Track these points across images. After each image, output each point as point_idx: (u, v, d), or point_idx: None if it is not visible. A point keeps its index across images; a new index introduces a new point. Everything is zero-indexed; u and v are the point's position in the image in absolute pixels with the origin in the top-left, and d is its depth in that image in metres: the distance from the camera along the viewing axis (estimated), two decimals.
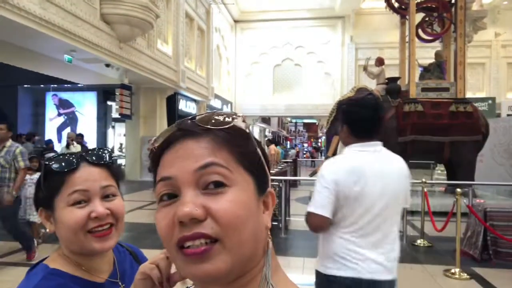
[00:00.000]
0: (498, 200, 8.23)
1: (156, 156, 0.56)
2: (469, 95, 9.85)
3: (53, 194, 0.87)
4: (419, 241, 5.90)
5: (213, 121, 0.53)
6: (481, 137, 8.64)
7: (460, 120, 8.43)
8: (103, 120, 15.30)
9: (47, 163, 0.89)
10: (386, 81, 9.58)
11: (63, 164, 0.88)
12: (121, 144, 15.46)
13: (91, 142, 14.32)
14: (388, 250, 1.70)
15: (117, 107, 11.48)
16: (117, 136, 17.81)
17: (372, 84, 10.03)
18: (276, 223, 6.27)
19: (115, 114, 13.99)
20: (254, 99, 23.69)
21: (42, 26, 7.07)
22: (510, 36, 19.82)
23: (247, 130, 0.55)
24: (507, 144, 9.63)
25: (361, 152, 1.75)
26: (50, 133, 14.91)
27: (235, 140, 0.53)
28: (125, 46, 9.96)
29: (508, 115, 17.50)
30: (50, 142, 11.07)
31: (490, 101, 17.13)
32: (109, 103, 15.15)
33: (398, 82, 9.61)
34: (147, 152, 0.57)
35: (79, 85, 14.20)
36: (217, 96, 19.48)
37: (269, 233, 0.55)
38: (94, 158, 0.91)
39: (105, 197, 0.89)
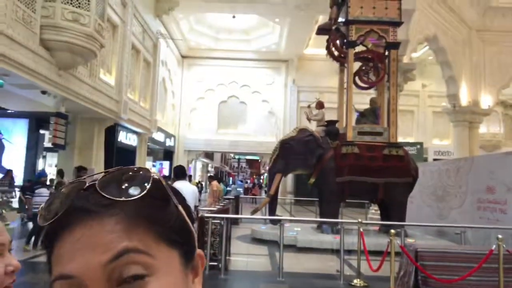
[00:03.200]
0: (427, 239, 8.73)
1: (49, 235, 0.43)
2: (399, 139, 10.59)
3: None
4: (356, 281, 6.02)
5: (122, 186, 0.41)
6: (412, 180, 9.24)
7: (393, 163, 8.98)
8: (34, 149, 14.26)
9: None
10: (326, 123, 10.04)
11: None
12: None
13: (19, 172, 13.22)
14: None
15: (51, 136, 10.79)
16: (47, 167, 16.63)
17: (313, 126, 10.45)
18: (215, 263, 6.09)
19: (47, 144, 13.13)
20: (198, 134, 23.60)
21: None
22: (435, 88, 21.94)
23: (166, 190, 0.44)
24: (433, 187, 10.38)
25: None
26: None
27: (152, 210, 0.42)
28: (65, 73, 9.54)
29: (434, 159, 19.03)
30: (43, 175, 9.05)
31: (418, 146, 18.55)
32: (42, 131, 14.22)
33: (337, 125, 10.12)
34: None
35: (9, 111, 13.23)
36: (160, 129, 19.12)
37: None
38: None
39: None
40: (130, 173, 0.43)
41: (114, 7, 12.41)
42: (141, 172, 0.43)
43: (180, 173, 5.92)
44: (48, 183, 9.26)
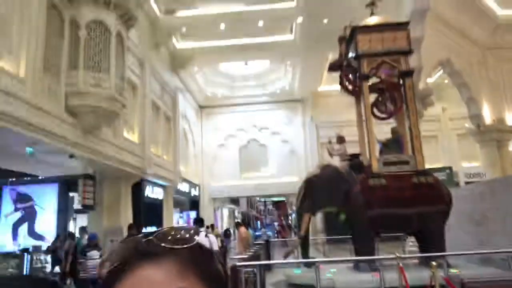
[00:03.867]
0: (471, 269, 8.21)
1: (110, 281, 0.47)
2: (427, 166, 10.30)
3: None
4: None
5: (175, 238, 0.48)
6: (446, 207, 8.87)
7: (424, 191, 8.68)
8: (64, 212, 14.57)
9: None
10: (349, 157, 9.93)
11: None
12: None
13: (51, 236, 13.44)
14: None
15: (80, 198, 11.06)
16: (78, 229, 16.86)
17: (335, 162, 10.35)
18: None
19: (77, 206, 13.41)
20: (222, 181, 23.68)
21: (2, 120, 6.98)
22: (456, 110, 21.60)
23: (210, 247, 0.50)
24: (470, 212, 9.92)
25: None
26: (3, 230, 13.91)
27: (200, 260, 0.48)
28: (90, 136, 9.91)
29: (466, 182, 18.35)
30: (94, 237, 8.81)
31: (448, 171, 17.97)
32: (71, 194, 14.58)
33: (361, 158, 9.98)
34: (110, 244, 0.51)
35: (39, 177, 13.71)
36: (184, 180, 19.31)
37: None
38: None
39: None
40: (181, 229, 0.50)
41: (132, 67, 13.05)
42: (190, 229, 0.50)
43: (197, 224, 6.73)
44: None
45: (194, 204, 22.74)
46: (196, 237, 0.48)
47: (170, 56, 17.96)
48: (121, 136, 12.01)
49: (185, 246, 0.47)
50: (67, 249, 9.45)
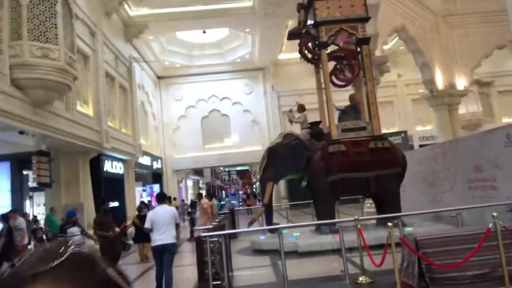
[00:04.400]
0: (425, 226, 8.78)
1: None
2: (383, 130, 10.69)
3: None
4: (361, 278, 6.00)
5: (38, 262, 0.43)
6: (401, 169, 9.31)
7: (380, 155, 9.04)
8: (19, 191, 13.91)
9: None
10: (310, 125, 10.08)
11: None
12: (34, 216, 14.02)
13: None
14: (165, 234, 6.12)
15: (35, 176, 10.57)
16: (36, 207, 16.25)
17: (297, 129, 10.48)
18: (219, 282, 6.00)
19: (32, 184, 12.85)
20: (184, 152, 23.45)
21: None
22: (410, 76, 22.34)
23: (90, 256, 0.46)
24: (423, 173, 10.49)
25: None
26: None
27: (76, 276, 0.43)
28: (41, 111, 9.37)
29: (420, 145, 19.28)
30: (73, 214, 8.01)
31: (403, 135, 18.79)
32: (25, 172, 13.90)
33: (321, 126, 10.16)
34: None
35: None
36: (145, 153, 18.93)
37: None
38: None
39: None
40: (49, 249, 0.45)
41: (83, 37, 12.31)
42: (58, 246, 0.45)
43: (160, 198, 6.79)
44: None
45: (157, 177, 22.46)
46: (66, 252, 0.44)
47: (123, 24, 17.08)
48: (74, 109, 11.46)
49: (52, 266, 0.43)
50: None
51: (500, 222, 4.70)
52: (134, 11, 17.23)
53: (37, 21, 8.73)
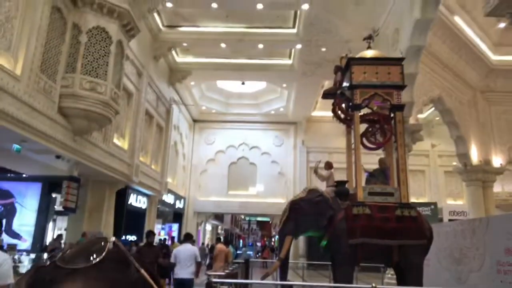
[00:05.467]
0: None
1: None
2: (412, 200, 10.44)
3: None
4: None
5: (78, 257, 0.44)
6: (426, 241, 8.93)
7: (406, 224, 8.74)
8: (45, 212, 14.32)
9: None
10: (335, 183, 10.00)
11: None
12: (58, 236, 14.27)
13: (28, 235, 13.20)
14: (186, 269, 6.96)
15: (62, 199, 10.92)
16: (57, 231, 16.57)
17: (322, 186, 10.41)
18: None
19: (58, 207, 13.23)
20: (208, 195, 23.57)
21: None
22: (444, 148, 21.97)
23: (125, 255, 0.47)
24: (450, 249, 10.00)
25: None
26: None
27: (111, 274, 0.44)
28: (80, 139, 9.89)
29: (449, 219, 18.52)
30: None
31: (432, 206, 18.15)
32: (53, 195, 14.39)
33: (346, 186, 10.06)
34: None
35: (23, 175, 13.54)
36: (170, 191, 19.19)
37: None
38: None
39: None
40: (89, 245, 0.46)
41: (130, 76, 13.15)
42: (98, 243, 0.46)
43: (186, 237, 7.79)
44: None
45: (177, 216, 22.52)
46: (102, 251, 0.45)
47: (169, 68, 18.13)
48: (110, 141, 11.99)
49: (90, 263, 0.44)
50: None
51: None
52: (180, 58, 18.32)
53: (91, 58, 9.48)
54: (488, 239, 8.49)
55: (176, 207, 21.33)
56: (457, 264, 9.63)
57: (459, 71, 17.20)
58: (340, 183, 10.02)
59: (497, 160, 17.62)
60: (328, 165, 10.57)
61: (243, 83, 21.49)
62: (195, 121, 24.55)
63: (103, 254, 0.45)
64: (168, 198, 19.27)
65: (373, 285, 6.08)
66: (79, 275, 0.43)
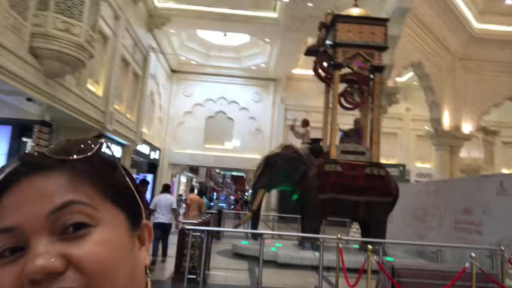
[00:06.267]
0: (405, 259, 8.83)
1: None
2: (382, 160, 10.79)
3: None
4: None
5: (69, 150, 0.44)
6: (392, 199, 9.39)
7: (374, 182, 9.13)
8: (15, 156, 14.03)
9: None
10: (310, 141, 10.20)
11: None
12: None
13: None
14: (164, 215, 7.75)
15: (33, 144, 10.69)
16: None
17: (298, 143, 10.60)
18: (194, 277, 6.06)
19: (29, 151, 12.95)
20: (184, 148, 23.57)
21: None
22: (418, 112, 22.48)
23: (114, 159, 0.47)
24: (414, 207, 10.55)
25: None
26: None
27: (98, 172, 0.45)
28: (52, 82, 9.54)
29: (416, 181, 19.35)
30: None
31: (401, 168, 18.88)
32: (24, 139, 14.03)
33: (321, 144, 10.28)
34: None
35: None
36: (145, 142, 19.05)
37: (148, 271, 0.49)
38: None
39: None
40: (80, 141, 0.46)
41: (106, 19, 12.53)
42: (90, 140, 0.46)
43: (164, 188, 8.55)
44: None
45: (152, 167, 22.54)
46: (93, 146, 0.45)
47: (148, 13, 17.33)
48: (84, 86, 11.63)
49: (79, 156, 0.44)
50: None
51: (478, 264, 4.77)
52: (160, 3, 17.51)
53: None
54: (449, 199, 8.98)
55: (151, 157, 21.30)
56: (418, 221, 10.22)
57: (441, 37, 17.27)
58: (315, 141, 10.23)
59: (466, 127, 18.25)
60: (305, 123, 10.73)
61: (225, 35, 20.92)
62: (173, 71, 23.96)
63: (94, 150, 0.45)
64: (143, 148, 19.16)
65: (339, 236, 6.41)
66: (67, 166, 0.43)
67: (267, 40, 20.10)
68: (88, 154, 0.44)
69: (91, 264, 0.39)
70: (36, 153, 0.45)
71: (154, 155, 21.69)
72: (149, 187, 19.61)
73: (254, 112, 24.10)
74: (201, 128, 23.94)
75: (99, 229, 0.42)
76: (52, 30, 8.71)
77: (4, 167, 0.44)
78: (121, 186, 0.46)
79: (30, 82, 8.60)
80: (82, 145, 0.45)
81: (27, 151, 0.47)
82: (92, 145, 0.45)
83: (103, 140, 0.47)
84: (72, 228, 0.40)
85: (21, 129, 13.73)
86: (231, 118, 24.15)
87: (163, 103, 22.97)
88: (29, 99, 9.52)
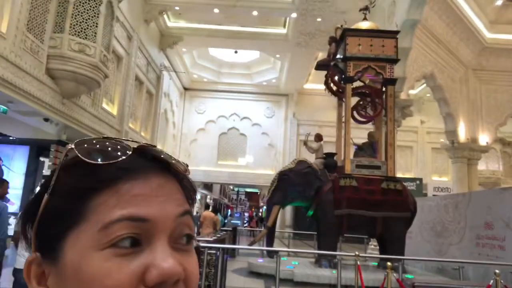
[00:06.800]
0: (426, 276, 8.56)
1: (102, 175, 0.40)
2: (398, 174, 10.61)
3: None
4: None
5: (173, 161, 0.45)
6: (410, 214, 9.18)
7: (391, 197, 8.95)
8: (32, 176, 14.25)
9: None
10: (324, 156, 10.11)
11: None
12: None
13: (16, 198, 13.16)
14: None
15: (50, 163, 10.87)
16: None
17: (311, 158, 10.51)
18: None
19: (46, 171, 13.16)
20: (197, 165, 23.63)
21: None
22: (433, 125, 22.18)
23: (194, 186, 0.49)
24: (432, 222, 10.29)
25: None
26: None
27: (190, 193, 0.47)
28: (68, 102, 9.73)
29: (433, 195, 18.95)
30: None
31: (418, 182, 18.52)
32: (41, 159, 14.27)
33: (335, 158, 10.18)
34: None
35: (10, 137, 13.34)
36: None
37: None
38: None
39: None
40: (173, 157, 0.46)
41: (120, 39, 12.81)
42: (180, 160, 0.46)
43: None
44: None
45: None
46: (188, 170, 0.47)
47: (160, 33, 17.69)
48: (99, 106, 11.82)
49: (187, 174, 0.46)
50: None
51: (502, 281, 4.59)
52: (172, 22, 17.86)
53: (80, 18, 9.19)
54: (469, 213, 8.73)
55: None
56: (438, 237, 9.94)
57: (453, 48, 17.14)
58: (329, 155, 10.13)
59: (483, 138, 17.89)
60: (318, 137, 10.64)
61: (236, 52, 21.15)
62: (186, 89, 24.26)
63: (188, 171, 0.47)
64: None
65: (356, 253, 6.26)
66: (177, 178, 0.45)
67: (277, 56, 20.25)
68: (188, 174, 0.46)
69: (194, 281, 0.40)
70: (157, 150, 0.44)
71: None
72: None
73: (267, 128, 24.13)
74: (214, 144, 24.03)
75: (192, 246, 0.43)
76: (67, 51, 8.94)
77: (112, 144, 0.42)
78: (193, 197, 0.47)
79: (46, 103, 8.79)
80: (181, 163, 0.45)
81: (144, 144, 0.44)
82: (186, 166, 0.47)
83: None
84: (186, 239, 0.41)
85: (38, 149, 13.99)
86: (243, 134, 24.20)
87: (177, 121, 23.20)
88: (46, 119, 9.71)
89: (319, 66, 11.40)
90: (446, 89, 17.19)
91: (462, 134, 17.64)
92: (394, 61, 10.04)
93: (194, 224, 0.44)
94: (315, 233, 10.82)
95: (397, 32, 10.35)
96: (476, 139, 17.73)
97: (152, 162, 0.42)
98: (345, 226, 9.20)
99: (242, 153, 24.14)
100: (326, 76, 10.94)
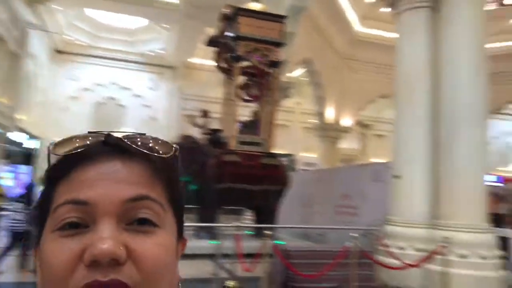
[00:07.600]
0: (293, 241, 9.61)
1: (63, 165, 0.44)
2: (275, 151, 11.44)
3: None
4: (228, 282, 6.30)
5: (150, 144, 0.46)
6: (284, 187, 10.09)
7: (269, 172, 9.69)
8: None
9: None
10: (210, 131, 10.34)
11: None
12: None
13: None
14: None
15: None
16: None
17: (197, 133, 10.64)
18: None
19: None
20: (69, 135, 21.63)
21: None
22: (307, 106, 24.28)
23: (179, 165, 0.48)
24: (300, 195, 11.49)
25: None
26: None
27: (170, 176, 0.46)
28: None
29: (302, 169, 20.99)
30: None
31: (290, 157, 20.30)
32: None
33: (221, 134, 10.49)
34: None
35: None
36: (21, 129, 16.99)
37: (179, 284, 0.50)
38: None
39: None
40: (156, 138, 0.47)
41: None
42: (167, 141, 0.48)
43: None
44: None
45: (28, 158, 20.14)
46: (173, 148, 0.47)
47: None
48: None
49: (163, 155, 0.46)
50: None
51: (358, 244, 5.48)
52: None
53: None
54: (330, 186, 10.02)
55: (28, 147, 19.07)
56: (304, 207, 11.17)
57: (330, 37, 18.86)
58: (215, 131, 10.40)
59: (346, 121, 20.41)
60: (204, 113, 10.80)
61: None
62: (57, 52, 21.69)
63: (172, 152, 0.47)
64: (17, 137, 17.06)
65: (233, 223, 6.69)
66: (149, 161, 0.45)
67: (165, 25, 19.50)
68: (168, 155, 0.46)
69: (150, 263, 0.40)
70: (117, 137, 0.45)
71: (32, 144, 19.46)
72: (28, 181, 17.56)
73: (149, 100, 23.23)
74: (89, 115, 22.21)
75: (162, 231, 0.43)
76: None
77: (80, 137, 0.45)
78: (180, 195, 0.48)
79: None
80: (161, 144, 0.46)
81: (110, 132, 0.46)
82: (171, 147, 0.47)
83: (177, 146, 0.48)
84: (137, 223, 0.42)
85: None
86: (122, 105, 22.91)
87: (46, 87, 20.69)
88: None
89: (210, 42, 11.44)
90: (321, 74, 18.95)
91: (329, 116, 19.82)
92: (280, 44, 10.65)
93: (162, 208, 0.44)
94: (197, 206, 11.09)
95: (284, 17, 10.94)
96: (340, 121, 20.13)
97: (114, 148, 0.45)
98: (226, 199, 9.67)
99: (121, 124, 22.88)
100: (216, 52, 11.04)
